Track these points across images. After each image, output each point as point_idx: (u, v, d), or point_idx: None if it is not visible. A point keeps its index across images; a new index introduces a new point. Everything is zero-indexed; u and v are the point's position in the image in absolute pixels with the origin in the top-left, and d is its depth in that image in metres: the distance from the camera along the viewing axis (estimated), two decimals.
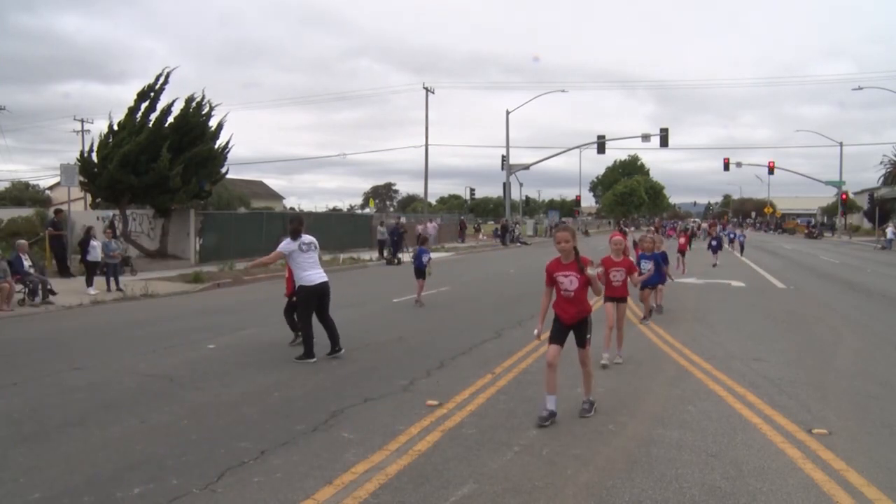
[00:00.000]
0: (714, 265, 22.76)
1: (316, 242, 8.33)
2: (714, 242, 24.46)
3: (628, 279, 7.97)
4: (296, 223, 8.37)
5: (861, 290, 16.65)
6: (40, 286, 13.36)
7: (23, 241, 14.57)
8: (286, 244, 8.15)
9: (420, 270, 13.35)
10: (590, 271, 5.52)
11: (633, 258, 14.28)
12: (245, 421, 5.66)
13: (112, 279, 15.36)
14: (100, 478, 4.41)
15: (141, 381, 7.04)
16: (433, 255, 21.15)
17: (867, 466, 4.58)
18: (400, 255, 25.95)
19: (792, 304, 13.72)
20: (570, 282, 5.57)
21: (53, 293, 13.53)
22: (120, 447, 5.01)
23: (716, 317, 11.71)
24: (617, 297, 7.89)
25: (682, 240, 22.86)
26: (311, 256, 8.16)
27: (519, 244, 42.66)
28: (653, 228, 33.90)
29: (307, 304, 8.10)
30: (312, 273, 8.09)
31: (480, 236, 47.88)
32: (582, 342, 5.67)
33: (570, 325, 5.63)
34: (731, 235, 35.20)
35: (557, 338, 5.63)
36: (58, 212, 20.01)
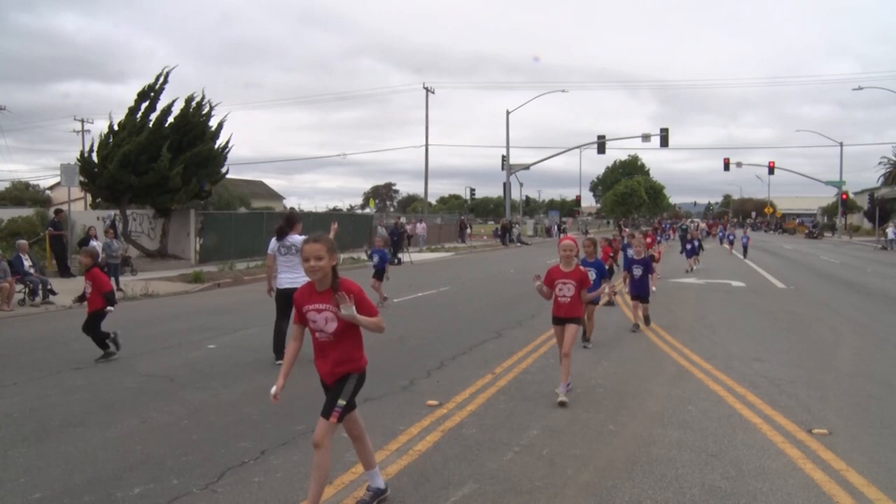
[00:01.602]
0: (687, 270, 20.89)
1: (298, 244, 7.79)
2: (689, 245, 22.26)
3: (581, 295, 6.37)
4: (282, 223, 8.09)
5: (861, 290, 16.65)
6: (40, 286, 13.37)
7: (23, 241, 14.59)
8: (271, 245, 7.97)
9: (378, 271, 13.08)
10: (343, 311, 3.60)
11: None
12: (245, 421, 5.66)
13: (112, 279, 15.36)
14: (100, 478, 4.41)
15: (141, 381, 7.04)
16: (431, 255, 21.15)
17: (867, 466, 4.58)
18: (400, 255, 25.96)
19: (792, 304, 13.72)
20: (324, 320, 3.72)
21: (53, 293, 13.54)
22: (120, 447, 5.01)
23: (716, 317, 11.70)
24: (564, 317, 6.31)
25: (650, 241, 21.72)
26: (289, 259, 7.87)
27: (519, 244, 42.65)
28: (650, 230, 33.38)
29: (277, 307, 7.92)
30: (283, 276, 7.88)
31: (468, 232, 47.11)
32: (327, 409, 3.75)
33: (330, 384, 3.84)
34: (731, 237, 34.00)
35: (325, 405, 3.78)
36: (58, 212, 20.01)
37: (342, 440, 5.17)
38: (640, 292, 10.29)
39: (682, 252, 23.54)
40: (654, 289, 11.70)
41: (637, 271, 10.29)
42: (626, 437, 5.25)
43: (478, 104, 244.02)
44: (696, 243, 22.78)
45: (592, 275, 7.81)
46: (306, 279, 7.88)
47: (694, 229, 29.42)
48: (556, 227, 60.66)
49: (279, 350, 7.79)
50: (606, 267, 9.47)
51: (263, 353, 8.41)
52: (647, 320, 10.46)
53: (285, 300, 7.78)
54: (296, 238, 7.89)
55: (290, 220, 8.10)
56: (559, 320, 6.38)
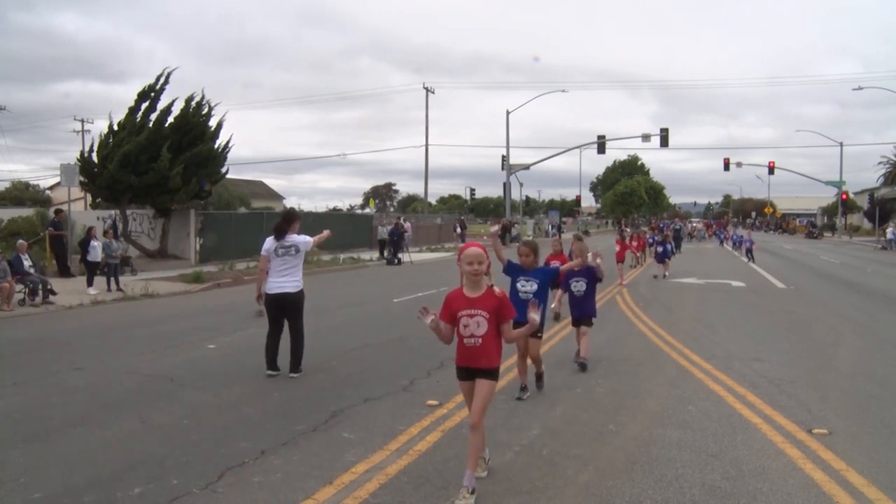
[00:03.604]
0: (655, 276, 18.84)
1: (300, 245, 7.28)
2: (660, 249, 19.51)
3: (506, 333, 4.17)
4: (280, 221, 7.42)
5: (861, 290, 16.66)
6: (40, 286, 13.37)
7: (22, 242, 14.58)
8: (267, 244, 7.32)
9: None
10: None
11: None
12: (245, 421, 5.66)
13: (112, 279, 15.37)
14: (100, 478, 4.41)
15: (141, 381, 7.04)
16: (431, 255, 21.15)
17: (867, 466, 4.58)
18: (400, 255, 25.96)
19: (792, 304, 13.72)
20: None
21: (53, 293, 13.53)
22: (120, 447, 5.01)
23: (716, 317, 11.71)
24: (473, 368, 4.13)
25: (626, 244, 19.11)
26: (285, 262, 7.19)
27: (517, 244, 42.38)
28: (647, 229, 32.11)
29: (267, 314, 7.35)
30: (272, 281, 7.20)
31: (457, 232, 44.76)
32: None
33: None
34: (737, 239, 32.74)
35: None
36: (58, 212, 20.02)
37: (342, 440, 5.17)
38: (581, 313, 7.69)
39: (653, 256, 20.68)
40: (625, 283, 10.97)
41: (578, 286, 7.63)
42: (626, 437, 5.24)
43: (478, 104, 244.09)
44: (670, 246, 20.53)
45: (533, 286, 6.11)
46: (298, 284, 7.33)
47: (690, 230, 28.30)
48: (550, 227, 58.75)
49: (272, 362, 7.26)
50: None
51: (263, 353, 8.43)
52: (582, 366, 7.49)
53: (275, 306, 7.27)
54: (296, 238, 7.30)
55: (289, 218, 7.47)
56: (464, 372, 4.20)
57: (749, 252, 26.52)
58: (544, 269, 6.48)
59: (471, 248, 4.17)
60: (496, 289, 4.16)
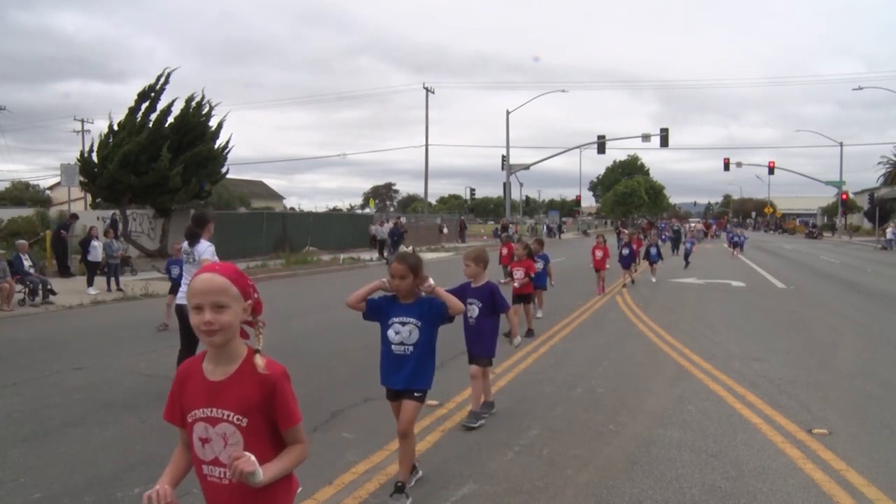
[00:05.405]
0: (625, 284, 16.44)
1: (197, 254, 6.42)
2: (625, 251, 16.82)
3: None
4: (191, 224, 6.60)
5: (861, 290, 16.66)
6: (40, 286, 13.37)
7: (22, 241, 14.59)
8: (183, 247, 6.78)
9: (176, 284, 8.88)
10: None
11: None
12: None
13: (112, 279, 15.37)
14: (100, 478, 4.41)
15: (141, 381, 7.04)
16: (431, 255, 20.95)
17: (867, 466, 4.58)
18: None
19: (792, 304, 13.72)
20: None
21: (54, 293, 13.53)
22: (120, 447, 5.01)
23: (716, 317, 11.71)
24: None
25: (608, 250, 15.20)
26: (188, 271, 6.59)
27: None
28: (639, 231, 30.05)
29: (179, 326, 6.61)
30: (181, 290, 6.60)
31: (444, 233, 42.62)
32: None
33: None
34: (734, 237, 31.98)
35: None
36: (73, 216, 20.05)
37: (340, 440, 5.17)
38: (478, 349, 5.48)
39: (618, 260, 17.21)
40: (539, 314, 9.82)
41: (471, 309, 5.38)
42: (626, 437, 5.25)
43: (478, 104, 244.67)
44: (655, 250, 18.51)
45: (412, 331, 3.98)
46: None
47: (693, 230, 27.36)
48: (545, 228, 56.95)
49: None
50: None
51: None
52: (472, 416, 5.46)
53: (180, 317, 6.44)
54: (199, 247, 6.43)
55: (199, 221, 6.60)
56: None
57: (686, 256, 23.22)
58: (430, 300, 4.01)
59: (203, 273, 2.12)
60: (260, 359, 2.16)
